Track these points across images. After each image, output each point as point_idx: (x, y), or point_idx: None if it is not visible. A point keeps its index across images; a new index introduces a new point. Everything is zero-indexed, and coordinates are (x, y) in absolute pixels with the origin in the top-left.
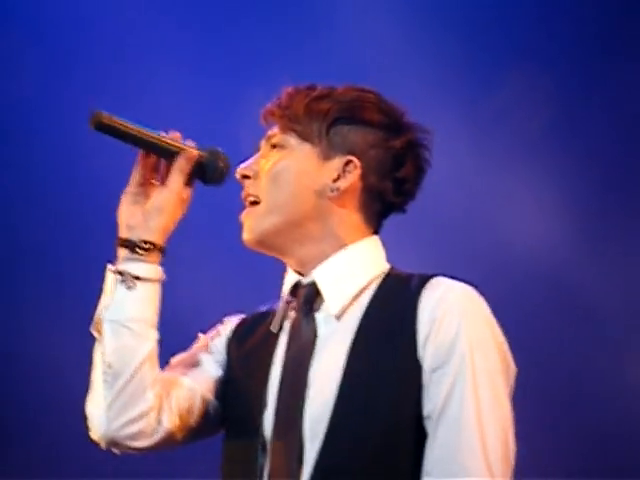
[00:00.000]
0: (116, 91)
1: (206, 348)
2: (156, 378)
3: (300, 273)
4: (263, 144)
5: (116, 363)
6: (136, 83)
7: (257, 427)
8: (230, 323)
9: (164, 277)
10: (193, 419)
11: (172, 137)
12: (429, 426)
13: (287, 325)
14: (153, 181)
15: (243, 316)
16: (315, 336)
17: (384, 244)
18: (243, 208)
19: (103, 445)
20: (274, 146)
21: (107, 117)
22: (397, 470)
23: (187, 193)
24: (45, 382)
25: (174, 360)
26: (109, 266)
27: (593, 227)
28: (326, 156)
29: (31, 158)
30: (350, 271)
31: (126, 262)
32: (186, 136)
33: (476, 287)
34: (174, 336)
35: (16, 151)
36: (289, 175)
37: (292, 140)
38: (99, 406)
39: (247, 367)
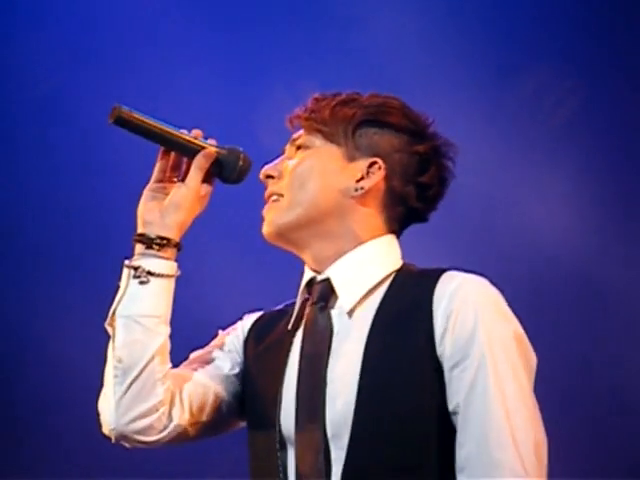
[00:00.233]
0: (135, 90)
1: (223, 345)
2: (167, 373)
3: (316, 270)
4: (288, 147)
5: (126, 358)
6: (159, 84)
7: (274, 425)
8: (248, 320)
9: (178, 273)
10: (205, 416)
11: (192, 135)
12: (456, 421)
13: (303, 322)
14: (174, 179)
15: (261, 313)
16: (331, 332)
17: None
18: (264, 205)
19: (113, 439)
20: (299, 147)
21: (127, 112)
22: (426, 466)
23: (206, 191)
24: (53, 381)
25: (192, 356)
26: (125, 262)
27: (620, 219)
28: (351, 157)
29: (51, 156)
30: (364, 268)
31: (141, 257)
32: (207, 136)
33: (490, 279)
34: (196, 332)
35: (36, 149)
36: (313, 173)
37: (317, 141)
38: (109, 401)
39: (264, 365)
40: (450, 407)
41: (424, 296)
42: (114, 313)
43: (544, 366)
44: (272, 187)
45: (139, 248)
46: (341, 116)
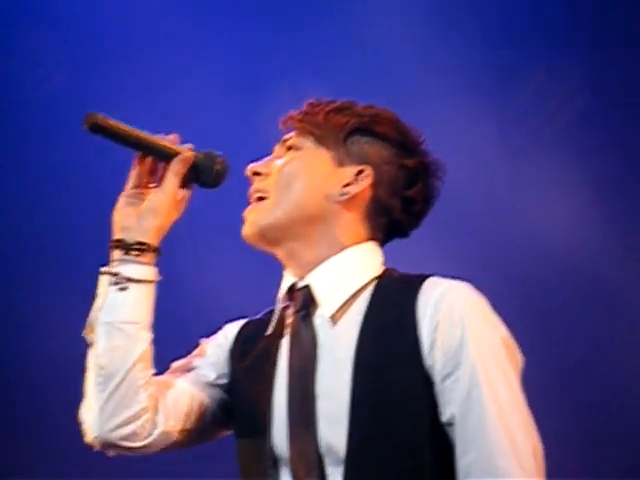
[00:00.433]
0: (135, 91)
1: (206, 354)
2: (150, 380)
3: (296, 275)
4: (278, 147)
5: (108, 365)
6: (155, 92)
7: (264, 441)
8: (231, 329)
9: (159, 278)
10: (191, 423)
11: (169, 140)
12: (453, 432)
13: (288, 332)
14: (150, 185)
15: (244, 322)
16: (315, 343)
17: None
18: (247, 205)
19: (97, 447)
20: (289, 148)
21: (102, 118)
22: (423, 478)
23: (183, 195)
24: (54, 381)
25: (174, 365)
26: (102, 269)
27: (622, 219)
28: (340, 162)
29: (28, 159)
30: (344, 274)
31: (119, 264)
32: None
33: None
34: (178, 339)
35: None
36: (300, 174)
37: (308, 143)
38: (92, 409)
39: (251, 376)
40: (444, 418)
41: (408, 305)
42: (93, 321)
43: (544, 367)
44: (257, 184)
45: (117, 254)
46: (334, 122)
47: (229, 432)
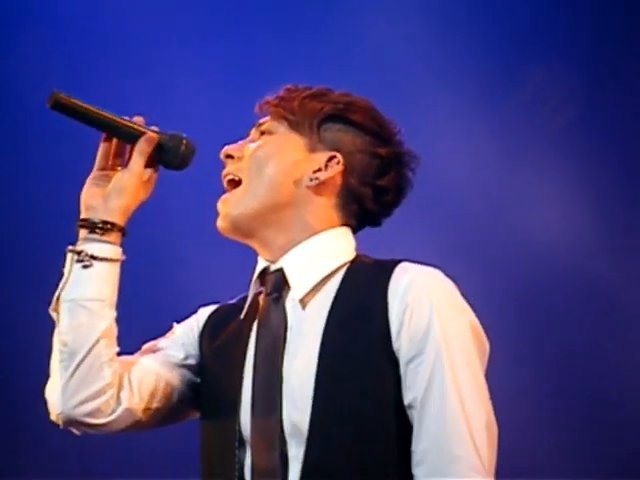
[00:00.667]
0: (134, 93)
1: (177, 336)
2: (113, 357)
3: (269, 260)
4: (253, 131)
5: (72, 341)
6: (153, 91)
7: (233, 422)
8: (203, 313)
9: (123, 257)
10: (156, 402)
11: (134, 120)
12: (412, 415)
13: (258, 315)
14: (117, 167)
15: (217, 306)
16: (285, 325)
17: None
18: (222, 193)
19: (61, 424)
20: (263, 133)
21: (65, 97)
22: (385, 460)
23: (149, 176)
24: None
25: (144, 346)
26: (69, 247)
27: (616, 222)
28: (312, 148)
29: (28, 160)
30: (316, 258)
31: (84, 242)
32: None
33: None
34: (153, 323)
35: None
36: (272, 158)
37: (282, 128)
38: (56, 385)
39: (220, 358)
40: (406, 401)
41: (378, 289)
42: (58, 298)
43: (543, 365)
44: (230, 167)
45: (82, 233)
46: (309, 108)
47: (197, 414)
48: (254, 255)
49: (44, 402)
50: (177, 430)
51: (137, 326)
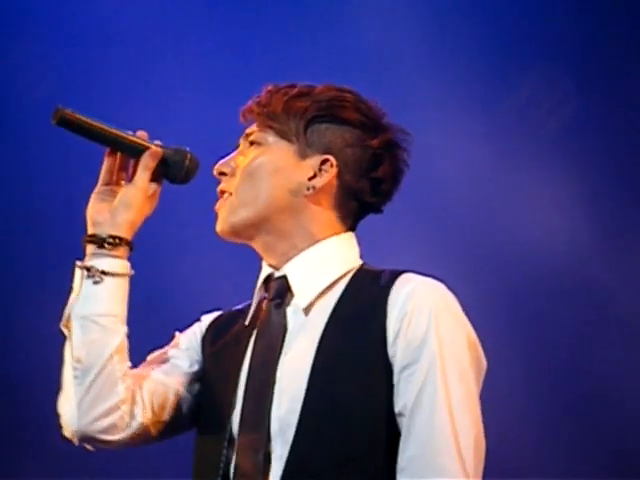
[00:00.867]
0: (132, 95)
1: (180, 344)
2: (127, 372)
3: (273, 266)
4: (241, 141)
5: (85, 357)
6: (148, 95)
7: (225, 424)
8: (205, 320)
9: (132, 272)
10: (167, 414)
11: (137, 135)
12: (402, 423)
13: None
14: (122, 182)
15: (219, 313)
16: (284, 330)
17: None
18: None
19: (76, 441)
20: (252, 143)
21: (70, 113)
22: (370, 467)
23: (154, 190)
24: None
25: (150, 357)
26: (77, 263)
27: (611, 225)
28: (303, 154)
29: (28, 159)
30: (320, 266)
31: (93, 257)
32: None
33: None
34: (157, 334)
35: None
36: (264, 172)
37: (269, 137)
38: (70, 402)
39: (220, 364)
40: (396, 409)
41: (379, 297)
42: (69, 314)
43: (534, 370)
44: (223, 185)
45: (90, 248)
46: (293, 112)
47: None
48: (258, 261)
49: (44, 402)
50: None
51: (140, 335)
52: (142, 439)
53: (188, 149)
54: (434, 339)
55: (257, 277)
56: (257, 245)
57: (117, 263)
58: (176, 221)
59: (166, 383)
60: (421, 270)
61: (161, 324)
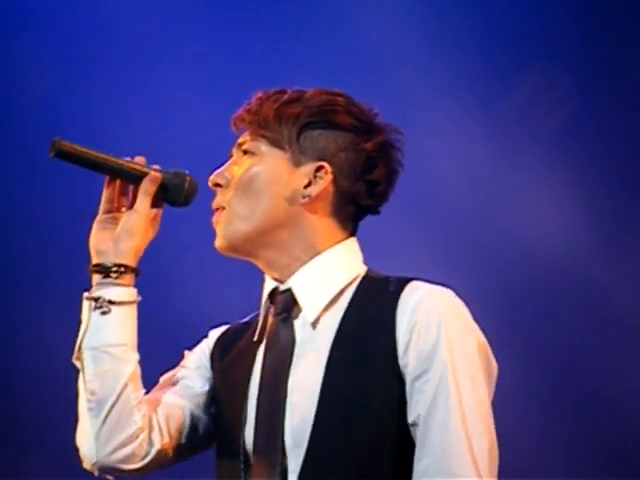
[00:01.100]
0: (131, 95)
1: (191, 364)
2: (142, 399)
3: (277, 279)
4: (235, 151)
5: (99, 389)
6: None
7: (239, 441)
8: (213, 335)
9: (139, 299)
10: (184, 437)
11: (135, 161)
12: (416, 433)
13: (266, 334)
14: (122, 209)
15: (226, 327)
16: (293, 344)
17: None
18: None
19: (96, 473)
20: (245, 152)
21: (67, 144)
22: (382, 478)
23: (155, 215)
24: (53, 380)
25: (162, 379)
26: (85, 294)
27: (611, 225)
28: (297, 162)
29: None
30: (325, 277)
31: (100, 288)
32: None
33: (453, 289)
34: (165, 351)
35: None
36: (259, 184)
37: (262, 146)
38: (88, 435)
39: (228, 379)
40: (410, 419)
41: (388, 307)
42: (80, 346)
43: (544, 372)
44: (218, 197)
45: (96, 278)
46: (285, 119)
47: None
48: (261, 272)
49: (44, 403)
50: None
51: (150, 357)
52: (161, 464)
53: (187, 172)
54: (444, 347)
55: (261, 288)
56: (258, 262)
57: (124, 292)
58: (175, 238)
59: (181, 405)
60: (421, 270)
61: (169, 343)
